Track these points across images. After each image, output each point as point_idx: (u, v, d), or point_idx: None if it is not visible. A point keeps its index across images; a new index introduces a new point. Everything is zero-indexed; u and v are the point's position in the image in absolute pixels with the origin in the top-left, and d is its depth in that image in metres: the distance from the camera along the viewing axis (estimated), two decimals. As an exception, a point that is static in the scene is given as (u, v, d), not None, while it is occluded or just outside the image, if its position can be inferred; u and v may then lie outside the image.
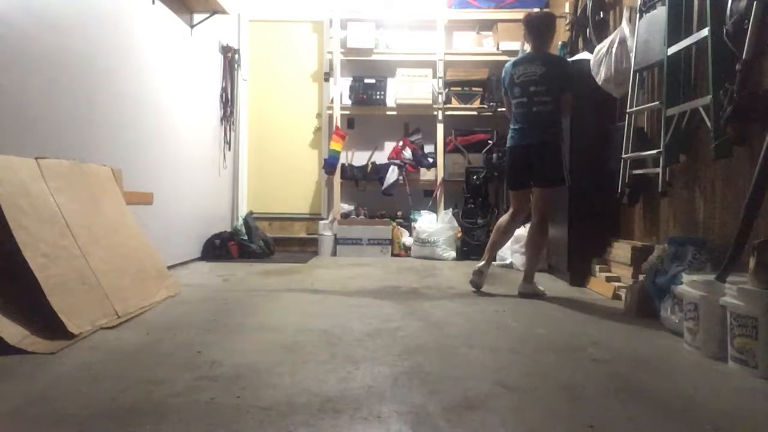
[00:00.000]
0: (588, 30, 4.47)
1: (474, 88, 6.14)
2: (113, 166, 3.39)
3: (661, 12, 3.18)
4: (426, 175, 6.15)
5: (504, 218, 3.81)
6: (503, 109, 4.01)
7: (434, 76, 6.16)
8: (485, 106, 5.98)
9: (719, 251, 2.62)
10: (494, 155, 5.69)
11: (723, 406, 1.74)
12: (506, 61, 3.82)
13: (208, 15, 5.00)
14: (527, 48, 3.75)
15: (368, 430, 1.53)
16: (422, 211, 5.92)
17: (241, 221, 5.60)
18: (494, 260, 4.15)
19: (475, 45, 6.30)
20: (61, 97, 3.15)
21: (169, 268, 3.87)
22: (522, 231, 4.42)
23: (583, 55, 4.17)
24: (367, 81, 6.18)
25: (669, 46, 3.03)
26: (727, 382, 1.97)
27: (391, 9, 6.22)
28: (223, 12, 5.02)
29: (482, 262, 3.69)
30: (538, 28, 3.63)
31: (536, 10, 5.93)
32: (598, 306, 3.29)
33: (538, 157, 3.54)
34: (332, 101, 6.23)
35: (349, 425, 1.55)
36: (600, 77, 3.77)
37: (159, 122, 4.35)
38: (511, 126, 3.70)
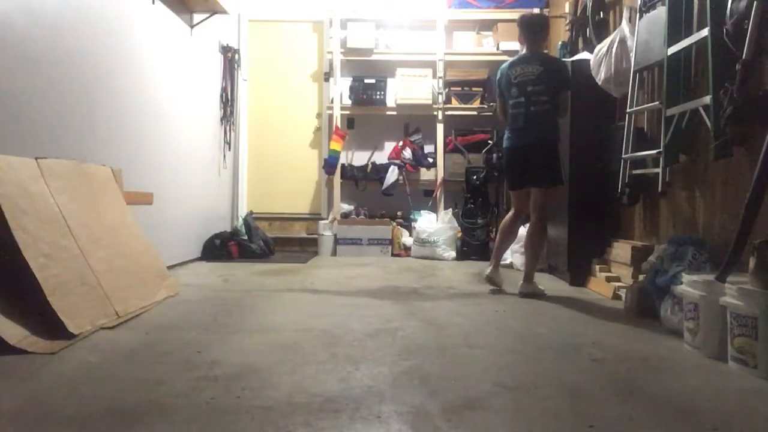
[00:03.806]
0: (588, 30, 4.47)
1: (474, 88, 6.14)
2: (113, 166, 3.39)
3: (661, 12, 3.18)
4: (426, 175, 6.15)
5: (506, 220, 3.84)
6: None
7: (434, 76, 6.16)
8: (485, 106, 5.98)
9: (719, 251, 2.63)
10: (494, 155, 5.68)
11: (723, 406, 1.74)
12: (506, 61, 3.83)
13: (208, 15, 5.00)
14: (524, 50, 3.76)
15: (368, 430, 1.53)
16: (422, 211, 5.91)
17: (241, 221, 5.60)
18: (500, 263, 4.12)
19: (475, 45, 6.30)
20: (61, 97, 3.15)
21: (169, 268, 3.87)
22: (522, 231, 4.42)
23: (583, 55, 4.17)
24: (367, 81, 6.18)
25: (669, 46, 3.03)
26: (727, 382, 1.97)
27: (391, 9, 6.22)
28: (223, 12, 5.02)
29: (489, 269, 3.74)
30: (533, 29, 3.65)
31: (536, 10, 5.95)
32: (598, 306, 3.29)
33: (536, 157, 3.55)
34: (332, 101, 6.22)
35: (349, 425, 1.55)
36: (600, 77, 3.77)
37: (159, 122, 4.35)
38: (509, 126, 3.70)
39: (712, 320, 2.21)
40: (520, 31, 3.71)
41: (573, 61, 4.10)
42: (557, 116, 3.60)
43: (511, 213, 3.82)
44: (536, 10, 5.95)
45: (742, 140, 2.49)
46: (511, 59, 3.77)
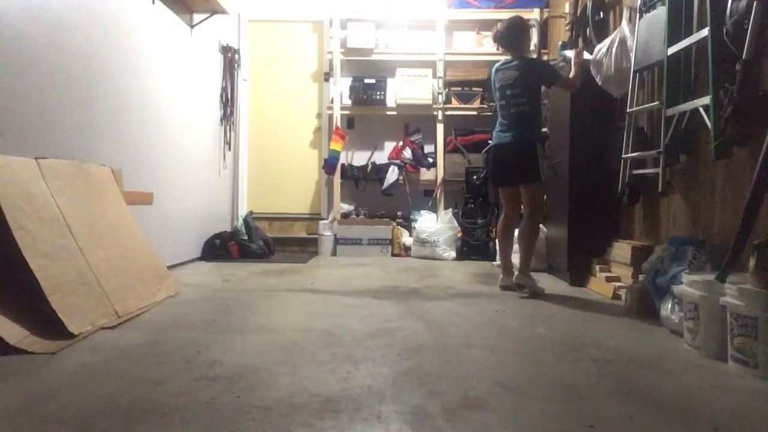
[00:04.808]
0: (588, 30, 4.47)
1: (474, 88, 6.14)
2: (113, 166, 3.39)
3: (661, 12, 3.18)
4: (426, 175, 6.15)
5: (500, 223, 3.93)
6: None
7: (434, 76, 6.16)
8: (485, 106, 5.98)
9: (719, 251, 2.62)
10: (494, 155, 5.69)
11: (723, 406, 1.74)
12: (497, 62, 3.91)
13: (208, 15, 5.00)
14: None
15: (368, 430, 1.53)
16: (422, 211, 5.91)
17: (241, 221, 5.60)
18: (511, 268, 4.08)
19: (475, 45, 6.30)
20: (61, 97, 3.15)
21: (169, 268, 3.86)
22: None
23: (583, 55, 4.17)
24: (367, 81, 6.18)
25: (669, 46, 3.03)
26: (727, 382, 1.97)
27: (391, 9, 6.22)
28: (223, 12, 5.02)
29: (501, 277, 3.83)
30: (507, 40, 3.74)
31: (535, 10, 5.95)
32: (598, 306, 3.29)
33: (516, 154, 3.65)
34: (332, 101, 6.22)
35: (349, 425, 1.55)
36: (600, 77, 3.78)
37: (159, 122, 4.35)
38: (495, 125, 3.85)
39: (712, 320, 2.21)
40: (498, 45, 3.89)
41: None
42: (540, 116, 3.78)
43: (502, 218, 3.92)
44: (536, 10, 5.96)
45: (742, 140, 2.49)
46: (497, 63, 3.86)
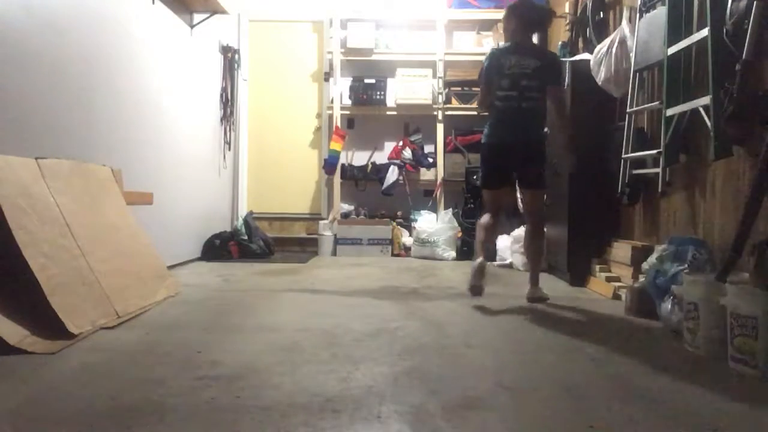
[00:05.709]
0: (588, 30, 4.47)
1: (474, 88, 6.12)
2: (113, 166, 3.39)
3: (661, 12, 3.18)
4: (426, 175, 6.15)
5: (486, 224, 3.44)
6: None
7: (434, 76, 6.16)
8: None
9: (719, 251, 2.62)
10: (494, 155, 5.68)
11: (723, 406, 1.74)
12: (498, 47, 3.63)
13: (208, 15, 5.00)
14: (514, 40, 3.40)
15: (368, 430, 1.53)
16: (422, 211, 5.91)
17: (241, 221, 5.60)
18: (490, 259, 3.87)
19: (475, 45, 6.30)
20: (61, 97, 3.15)
21: (169, 268, 3.86)
22: (521, 231, 4.42)
23: (583, 56, 4.17)
24: (367, 81, 6.18)
25: (669, 46, 3.03)
26: (727, 382, 1.97)
27: (391, 9, 6.22)
28: (223, 12, 5.02)
29: (479, 260, 3.28)
30: (536, 25, 3.53)
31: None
32: (598, 306, 3.29)
33: (527, 156, 3.32)
34: (332, 101, 6.23)
35: (349, 425, 1.55)
36: (600, 77, 3.77)
37: (159, 122, 4.35)
38: (493, 120, 3.42)
39: (712, 320, 2.21)
40: (519, 21, 3.32)
41: (573, 61, 4.10)
42: (546, 114, 3.42)
43: (488, 217, 3.43)
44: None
45: (742, 140, 2.49)
46: (504, 46, 3.43)
